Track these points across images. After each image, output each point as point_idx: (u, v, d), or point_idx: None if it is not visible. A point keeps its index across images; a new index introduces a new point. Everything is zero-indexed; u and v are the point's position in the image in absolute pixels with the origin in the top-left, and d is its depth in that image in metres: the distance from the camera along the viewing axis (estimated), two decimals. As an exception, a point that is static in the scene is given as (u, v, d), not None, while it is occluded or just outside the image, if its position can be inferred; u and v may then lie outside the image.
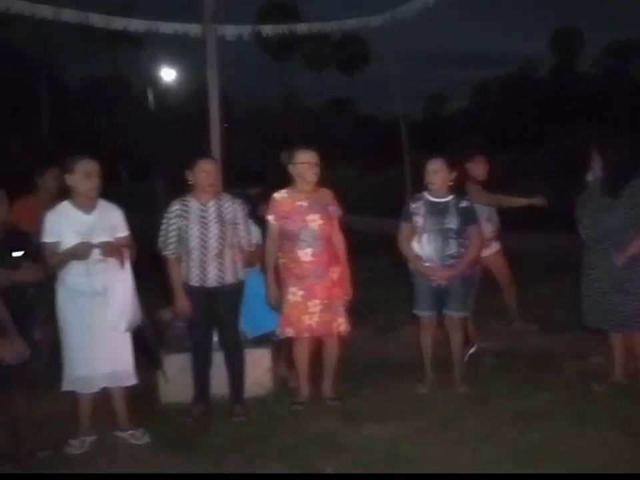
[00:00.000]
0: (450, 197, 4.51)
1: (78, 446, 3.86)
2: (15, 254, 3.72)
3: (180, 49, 23.60)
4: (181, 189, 4.42)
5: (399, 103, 16.98)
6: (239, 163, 7.19)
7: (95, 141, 17.50)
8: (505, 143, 23.83)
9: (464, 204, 4.51)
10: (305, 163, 4.32)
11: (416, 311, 4.62)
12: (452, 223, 4.42)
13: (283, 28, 7.28)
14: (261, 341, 4.71)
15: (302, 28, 7.22)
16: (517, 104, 34.55)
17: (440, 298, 4.51)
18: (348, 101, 39.72)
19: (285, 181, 4.50)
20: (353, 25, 7.43)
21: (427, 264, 4.44)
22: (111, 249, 3.81)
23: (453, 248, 4.41)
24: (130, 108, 24.58)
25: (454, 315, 4.55)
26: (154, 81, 26.73)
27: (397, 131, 16.62)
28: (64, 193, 3.99)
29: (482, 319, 5.56)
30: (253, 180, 5.92)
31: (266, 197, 4.59)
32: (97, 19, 6.43)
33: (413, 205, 4.54)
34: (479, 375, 4.77)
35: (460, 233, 4.44)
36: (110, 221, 3.92)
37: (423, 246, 4.45)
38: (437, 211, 4.46)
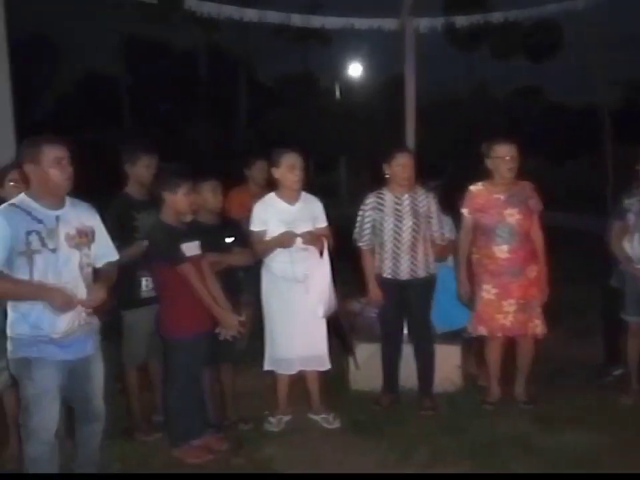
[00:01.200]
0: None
1: (275, 423, 4.11)
2: (227, 240, 4.08)
3: (367, 44, 24.03)
4: (367, 180, 4.50)
5: (598, 91, 15.79)
6: (425, 155, 7.13)
7: (287, 135, 18.38)
8: None
9: None
10: (500, 157, 4.18)
11: (624, 316, 4.29)
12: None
13: (477, 18, 7.11)
14: (451, 336, 4.66)
15: (497, 17, 6.99)
16: None
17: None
18: (536, 89, 37.75)
19: (467, 174, 4.39)
20: (553, 10, 7.05)
21: (638, 266, 4.10)
22: (312, 239, 3.98)
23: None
24: (318, 102, 25.51)
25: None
26: (341, 76, 27.47)
27: (590, 120, 15.49)
28: (272, 184, 4.22)
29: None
30: (434, 172, 5.84)
31: (445, 191, 4.52)
32: (297, 19, 6.76)
33: (627, 201, 4.20)
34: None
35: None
36: (312, 212, 4.10)
37: (633, 246, 4.11)
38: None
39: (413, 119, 5.06)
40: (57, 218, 2.92)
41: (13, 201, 2.92)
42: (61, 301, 2.86)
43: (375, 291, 4.32)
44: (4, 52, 6.97)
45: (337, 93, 27.30)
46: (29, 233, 2.81)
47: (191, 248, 3.67)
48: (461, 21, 6.86)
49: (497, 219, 4.17)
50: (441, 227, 4.37)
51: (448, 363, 4.51)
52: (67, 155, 2.94)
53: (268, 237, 4.03)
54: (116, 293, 3.39)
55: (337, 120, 21.88)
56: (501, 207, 4.18)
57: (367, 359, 4.55)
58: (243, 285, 4.20)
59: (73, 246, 2.94)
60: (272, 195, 4.14)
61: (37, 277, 2.83)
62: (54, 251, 2.87)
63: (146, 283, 3.91)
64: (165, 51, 30.43)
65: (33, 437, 2.96)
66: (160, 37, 29.28)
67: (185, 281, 3.58)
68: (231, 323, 3.68)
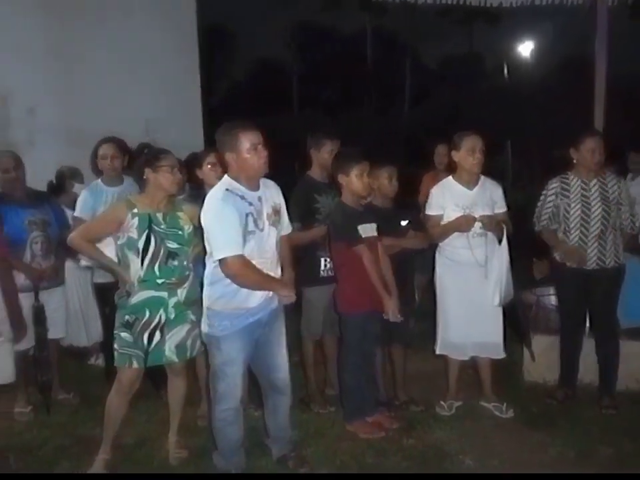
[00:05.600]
0: None
1: (447, 407, 4.10)
2: (402, 223, 4.11)
3: (541, 22, 22.74)
4: (536, 165, 4.29)
5: None
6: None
7: (451, 119, 18.00)
8: None
9: None
10: None
11: None
12: None
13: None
14: (638, 332, 4.35)
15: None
16: None
17: None
18: None
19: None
20: None
21: None
22: (491, 223, 3.90)
23: None
24: (485, 84, 24.66)
25: None
26: (509, 56, 26.31)
27: None
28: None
29: None
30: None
31: None
32: (473, -1, 6.54)
33: None
34: None
35: None
36: (490, 197, 4.00)
37: None
38: None
39: (602, 101, 4.72)
40: (259, 199, 3.10)
41: (225, 185, 3.09)
42: (287, 293, 3.12)
43: (571, 250, 4.06)
44: (194, 44, 7.54)
45: (505, 74, 26.19)
46: (247, 215, 3.01)
47: (367, 229, 3.75)
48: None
49: None
50: (632, 215, 4.08)
51: (633, 360, 4.22)
52: (262, 140, 3.07)
53: (444, 221, 4.00)
54: (298, 270, 3.56)
55: (504, 102, 21.00)
56: None
57: (543, 351, 4.39)
58: (417, 270, 4.22)
59: (271, 224, 3.13)
60: (449, 178, 4.09)
61: (245, 254, 3.01)
62: (262, 230, 3.07)
63: (324, 263, 4.06)
64: (333, 36, 31.01)
65: (220, 401, 3.20)
66: (328, 23, 29.89)
67: (360, 261, 3.67)
68: (392, 309, 3.71)
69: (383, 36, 30.18)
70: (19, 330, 3.45)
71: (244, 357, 3.16)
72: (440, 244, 4.08)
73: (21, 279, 3.90)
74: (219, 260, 3.00)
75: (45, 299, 4.08)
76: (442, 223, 4.01)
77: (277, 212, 3.18)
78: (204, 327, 3.19)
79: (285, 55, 29.88)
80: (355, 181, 3.69)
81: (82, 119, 5.85)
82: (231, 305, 3.09)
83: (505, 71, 26.54)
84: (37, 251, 4.05)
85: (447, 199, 4.00)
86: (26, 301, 3.78)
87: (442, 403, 4.12)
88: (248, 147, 3.01)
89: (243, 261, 2.99)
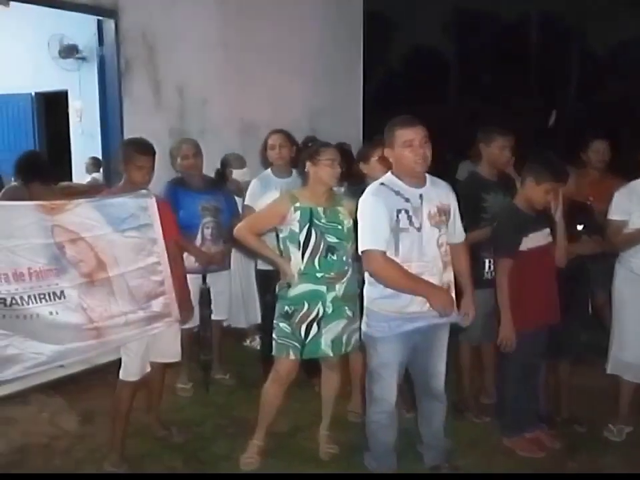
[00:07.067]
0: None
1: (616, 432, 3.76)
2: (578, 227, 3.80)
3: None
4: None
5: None
6: None
7: (623, 111, 16.60)
8: None
9: None
10: None
11: None
12: None
13: None
14: None
15: None
16: None
17: None
18: None
19: None
20: None
21: None
22: None
23: None
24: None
25: None
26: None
27: None
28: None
29: None
30: None
31: None
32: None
33: None
34: None
35: None
36: None
37: None
38: None
39: None
40: (421, 196, 2.98)
41: (381, 180, 3.04)
42: (442, 303, 2.91)
43: None
44: (359, 33, 7.51)
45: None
46: (398, 212, 2.91)
47: (536, 238, 3.49)
48: None
49: None
50: None
51: None
52: (421, 136, 2.93)
53: (629, 229, 3.64)
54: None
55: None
56: None
57: None
58: (592, 277, 3.88)
59: (433, 224, 2.99)
60: (638, 181, 3.71)
61: (401, 254, 2.92)
62: (419, 229, 2.95)
63: (489, 265, 3.86)
64: (493, 22, 29.80)
65: (374, 404, 3.14)
66: (488, 8, 28.73)
67: (523, 272, 3.42)
68: (504, 335, 3.43)
69: (548, 20, 28.45)
70: (187, 311, 3.62)
71: (400, 361, 3.07)
72: (621, 253, 3.72)
73: (190, 261, 4.09)
74: (362, 253, 2.93)
75: (212, 282, 4.26)
76: (626, 230, 3.65)
77: (443, 213, 3.03)
78: (363, 326, 3.15)
79: (444, 42, 29.19)
80: (540, 192, 3.43)
81: (250, 110, 6.03)
82: (389, 308, 3.00)
83: None
84: (207, 235, 4.23)
85: (635, 203, 3.63)
86: (193, 283, 3.96)
87: (611, 426, 3.78)
88: (402, 143, 2.92)
89: (384, 257, 2.88)
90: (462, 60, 28.99)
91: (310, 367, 4.00)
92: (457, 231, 3.16)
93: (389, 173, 3.06)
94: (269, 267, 4.11)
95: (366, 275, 3.08)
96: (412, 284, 2.93)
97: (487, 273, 3.86)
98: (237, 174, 4.96)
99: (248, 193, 4.26)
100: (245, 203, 4.27)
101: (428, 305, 2.96)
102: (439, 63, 28.20)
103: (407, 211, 2.93)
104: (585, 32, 29.43)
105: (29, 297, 2.94)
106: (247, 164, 5.09)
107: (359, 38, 7.56)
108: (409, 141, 2.91)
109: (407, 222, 2.92)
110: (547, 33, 28.55)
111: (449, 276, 3.09)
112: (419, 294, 2.94)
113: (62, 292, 3.02)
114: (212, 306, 4.25)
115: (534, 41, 29.39)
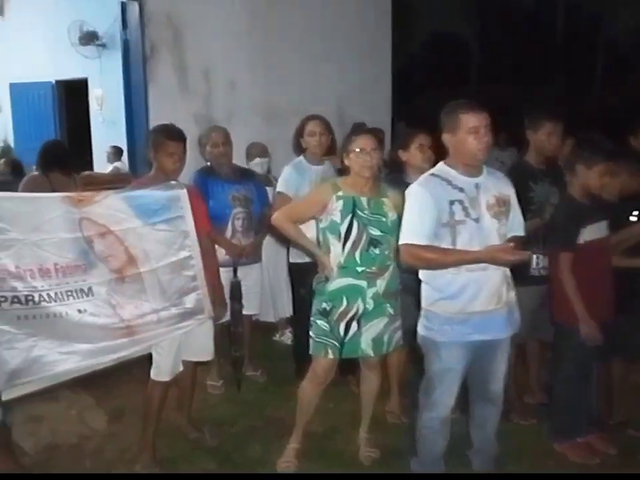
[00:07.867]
0: None
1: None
2: (631, 218, 3.57)
3: None
4: None
5: None
6: None
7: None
8: None
9: None
10: None
11: None
12: None
13: None
14: None
15: None
16: None
17: None
18: None
19: None
20: None
21: None
22: None
23: None
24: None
25: None
26: None
27: None
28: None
29: None
30: None
31: None
32: None
33: None
34: None
35: None
36: None
37: None
38: None
39: None
40: (477, 186, 2.78)
41: (432, 170, 2.85)
42: (502, 255, 2.62)
43: None
44: (388, 19, 7.27)
45: None
46: (452, 203, 2.72)
47: (594, 230, 3.28)
48: None
49: None
50: None
51: None
52: (486, 123, 2.73)
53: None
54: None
55: None
56: None
57: None
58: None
59: (493, 215, 2.78)
60: None
61: (460, 247, 2.73)
62: (477, 220, 2.74)
63: (537, 261, 3.64)
64: (517, 6, 29.25)
65: (430, 409, 2.94)
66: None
67: (580, 267, 3.22)
68: (588, 333, 3.23)
69: (575, 4, 27.85)
70: (221, 307, 3.46)
71: (464, 366, 2.87)
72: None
73: (221, 254, 3.93)
74: (400, 247, 2.75)
75: (243, 275, 4.09)
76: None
77: (502, 203, 2.81)
78: (420, 329, 2.90)
79: (468, 28, 28.73)
80: (594, 177, 3.23)
81: (277, 95, 5.85)
82: (452, 309, 2.79)
83: None
84: (238, 227, 4.07)
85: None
86: (224, 276, 3.77)
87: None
88: (467, 128, 2.71)
89: (419, 245, 2.68)
90: (487, 46, 28.45)
91: (343, 364, 3.82)
92: (516, 224, 2.94)
93: (441, 163, 2.86)
94: (303, 260, 3.94)
95: (420, 274, 2.88)
96: (459, 255, 2.70)
97: (535, 269, 3.64)
98: (254, 164, 4.79)
99: (280, 179, 4.06)
100: (278, 190, 4.08)
101: (494, 302, 2.79)
102: (462, 49, 27.69)
103: (461, 202, 2.72)
104: (612, 18, 28.75)
105: (56, 294, 2.80)
106: (268, 153, 4.90)
107: (388, 24, 7.34)
108: (475, 128, 2.71)
109: (463, 213, 2.72)
110: (573, 17, 27.85)
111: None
112: (473, 260, 2.69)
113: (90, 288, 2.88)
114: (243, 300, 4.08)
115: (559, 27, 28.81)
